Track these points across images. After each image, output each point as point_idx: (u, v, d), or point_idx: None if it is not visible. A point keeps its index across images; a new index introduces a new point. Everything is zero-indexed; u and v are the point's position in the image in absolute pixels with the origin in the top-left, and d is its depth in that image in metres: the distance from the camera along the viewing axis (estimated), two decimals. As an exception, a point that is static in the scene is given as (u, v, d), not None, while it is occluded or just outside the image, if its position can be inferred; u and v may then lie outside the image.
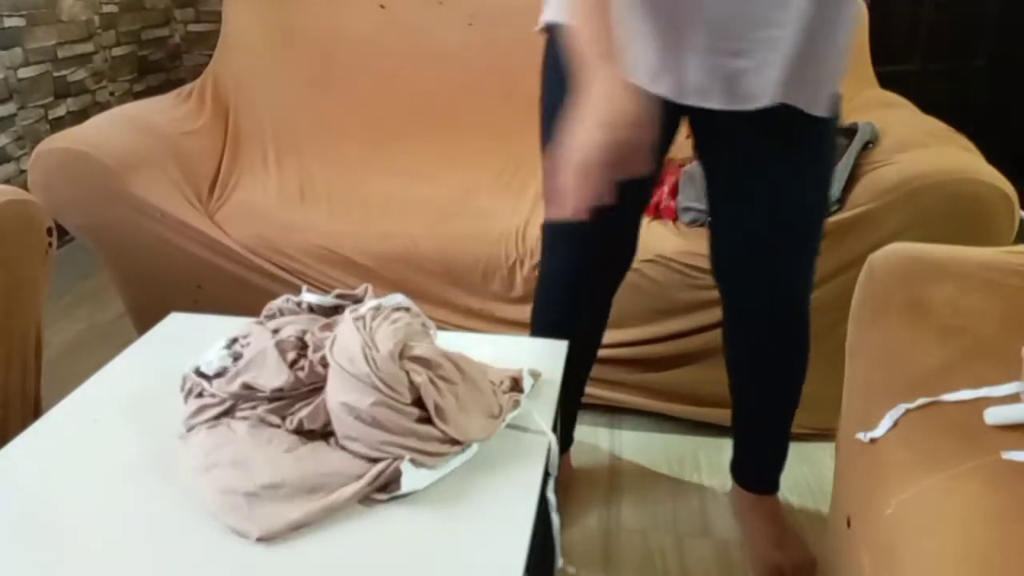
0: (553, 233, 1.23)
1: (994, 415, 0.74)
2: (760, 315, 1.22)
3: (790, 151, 1.08)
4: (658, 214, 1.67)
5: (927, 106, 1.72)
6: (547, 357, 1.01)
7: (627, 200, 1.15)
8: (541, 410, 0.90)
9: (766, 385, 1.29)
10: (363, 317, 0.83)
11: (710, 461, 1.58)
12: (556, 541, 0.89)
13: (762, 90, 0.99)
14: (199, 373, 0.87)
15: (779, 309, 1.20)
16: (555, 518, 0.88)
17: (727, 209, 1.17)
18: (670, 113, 1.07)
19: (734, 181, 1.13)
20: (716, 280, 1.25)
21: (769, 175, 1.09)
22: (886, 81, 1.94)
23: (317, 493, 0.75)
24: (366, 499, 0.76)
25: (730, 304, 1.26)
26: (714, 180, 1.17)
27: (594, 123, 0.84)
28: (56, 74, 2.33)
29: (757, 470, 1.39)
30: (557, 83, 1.09)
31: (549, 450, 0.85)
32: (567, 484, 1.49)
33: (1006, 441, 0.74)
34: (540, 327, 1.29)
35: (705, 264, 1.49)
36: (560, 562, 0.93)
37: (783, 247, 1.15)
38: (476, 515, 0.75)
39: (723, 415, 1.61)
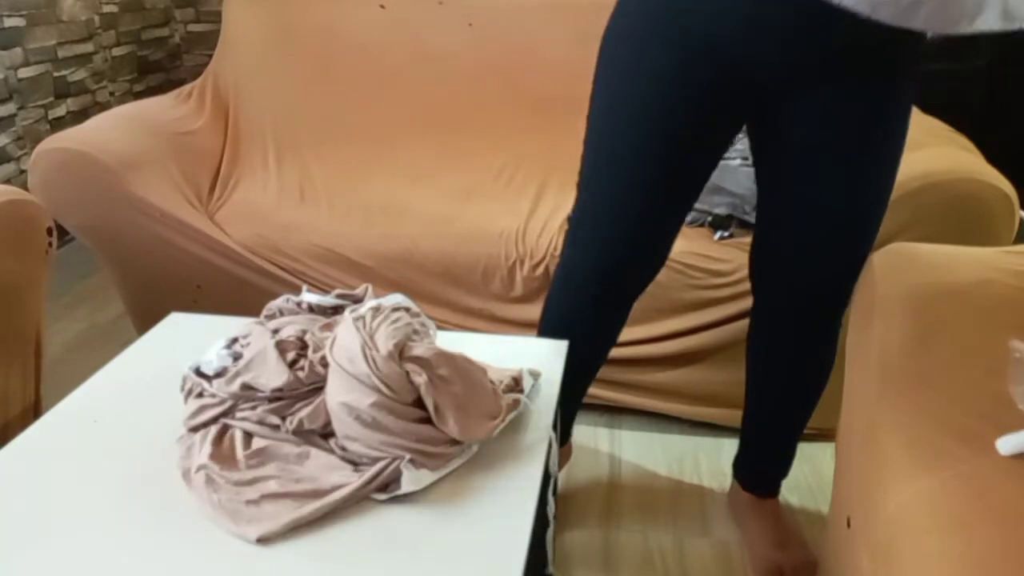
0: (585, 232, 1.16)
1: (1007, 444, 0.73)
2: (794, 320, 1.18)
3: (863, 150, 1.02)
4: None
5: (927, 106, 1.72)
6: (547, 357, 1.01)
7: (674, 207, 1.12)
8: (541, 410, 0.90)
9: (787, 391, 1.26)
10: (363, 317, 0.82)
11: (710, 461, 1.58)
12: (549, 548, 0.88)
13: None
14: (199, 373, 0.87)
15: (815, 316, 1.17)
16: (551, 527, 0.88)
17: (779, 207, 1.10)
18: (736, 109, 1.04)
19: (790, 179, 1.07)
20: (752, 277, 1.21)
21: (833, 177, 1.04)
22: (886, 81, 1.93)
23: (316, 496, 0.75)
24: (366, 499, 0.76)
25: (763, 305, 1.22)
26: (768, 175, 1.11)
27: None
28: (56, 74, 2.33)
29: (762, 473, 1.37)
30: (630, 50, 1.02)
31: (549, 450, 0.85)
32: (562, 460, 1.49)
33: (1006, 442, 0.74)
34: (557, 324, 1.23)
35: (705, 264, 1.49)
36: (551, 568, 0.92)
37: (834, 253, 1.10)
38: (476, 515, 0.75)
39: (723, 415, 1.61)
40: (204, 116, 2.00)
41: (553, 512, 0.88)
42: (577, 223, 1.17)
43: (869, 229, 1.09)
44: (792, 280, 1.15)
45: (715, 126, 1.05)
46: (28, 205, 1.12)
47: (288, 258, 1.67)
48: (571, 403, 1.37)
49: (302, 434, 0.82)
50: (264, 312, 0.96)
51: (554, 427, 0.89)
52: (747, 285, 1.47)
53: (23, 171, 2.22)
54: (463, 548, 0.71)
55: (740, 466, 1.40)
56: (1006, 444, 0.73)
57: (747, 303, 1.46)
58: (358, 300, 0.97)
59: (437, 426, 0.79)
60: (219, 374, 0.85)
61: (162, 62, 2.82)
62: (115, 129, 1.70)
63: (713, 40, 0.96)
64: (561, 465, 1.49)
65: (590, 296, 1.19)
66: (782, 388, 1.27)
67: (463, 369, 0.84)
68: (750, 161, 1.65)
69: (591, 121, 1.10)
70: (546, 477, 0.83)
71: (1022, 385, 0.75)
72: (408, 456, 0.77)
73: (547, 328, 1.25)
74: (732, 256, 1.48)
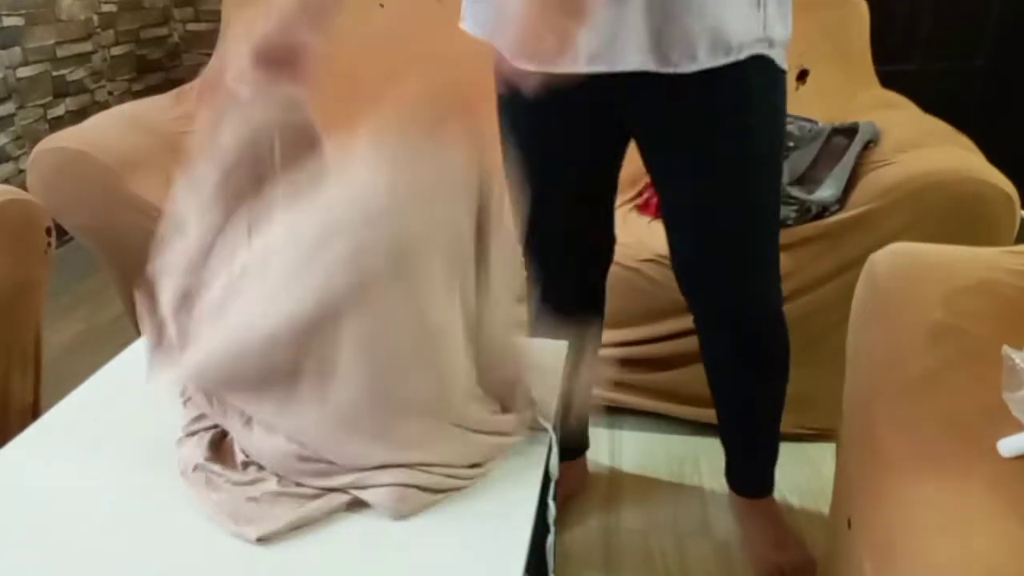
0: (540, 245, 1.21)
1: (1009, 446, 0.73)
2: (726, 325, 1.19)
3: (696, 142, 1.05)
4: (657, 214, 1.67)
5: (928, 105, 1.72)
6: (547, 357, 1.01)
7: (592, 193, 1.21)
8: (542, 411, 0.90)
9: (744, 394, 1.27)
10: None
11: (710, 461, 1.58)
12: (550, 556, 0.88)
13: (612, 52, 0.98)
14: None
15: (745, 317, 1.17)
16: (551, 533, 0.87)
17: (667, 210, 1.16)
18: (600, 123, 1.10)
19: (664, 181, 1.13)
20: (681, 292, 1.22)
21: (692, 170, 1.07)
22: (887, 80, 1.94)
23: (316, 496, 0.75)
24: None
25: (695, 314, 1.24)
26: (654, 183, 1.17)
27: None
28: (55, 73, 2.32)
29: (748, 475, 1.37)
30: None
31: (549, 452, 0.84)
32: (580, 487, 1.49)
33: (1007, 442, 0.73)
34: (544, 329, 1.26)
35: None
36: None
37: (730, 253, 1.11)
38: (475, 515, 0.74)
39: (723, 415, 1.61)
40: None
41: (554, 517, 0.88)
42: (533, 243, 1.21)
43: (755, 215, 1.10)
44: (702, 285, 1.17)
45: (588, 141, 1.14)
46: (27, 205, 1.12)
47: (288, 258, 1.66)
48: (577, 412, 1.35)
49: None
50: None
51: (554, 428, 0.89)
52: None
53: (22, 171, 2.21)
54: (462, 549, 0.70)
55: (728, 472, 1.40)
56: (1008, 446, 0.73)
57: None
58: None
59: None
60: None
61: (161, 61, 2.82)
62: (114, 128, 1.69)
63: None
64: (575, 490, 1.47)
65: (566, 299, 1.26)
66: (739, 392, 1.27)
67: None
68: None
69: None
70: (546, 480, 0.83)
71: (1016, 392, 0.75)
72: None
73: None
74: (732, 256, 1.48)
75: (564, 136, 1.14)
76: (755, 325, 1.18)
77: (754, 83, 1.03)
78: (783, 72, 1.06)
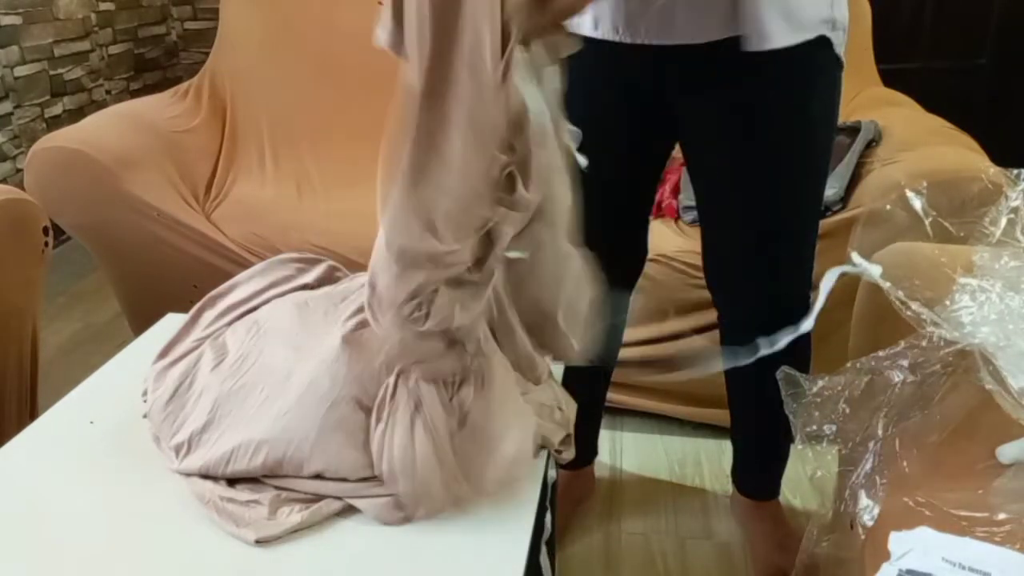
0: None
1: (1008, 453, 0.73)
2: (755, 325, 1.14)
3: (743, 140, 1.02)
4: (660, 213, 1.66)
5: (930, 104, 1.71)
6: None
7: (632, 199, 1.16)
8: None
9: (765, 398, 1.22)
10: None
11: (712, 463, 1.57)
12: (544, 561, 0.87)
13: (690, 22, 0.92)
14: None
15: (776, 318, 1.12)
16: (548, 534, 0.87)
17: (708, 212, 1.13)
18: (662, 108, 1.05)
19: (711, 180, 1.10)
20: (709, 290, 1.22)
21: (746, 168, 1.04)
22: (889, 79, 1.93)
23: (316, 499, 0.74)
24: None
25: (723, 315, 1.22)
26: (696, 181, 1.14)
27: None
28: (52, 72, 2.31)
29: (758, 479, 1.36)
30: None
31: (548, 458, 0.84)
32: (586, 496, 1.48)
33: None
34: None
35: (707, 263, 1.48)
36: None
37: (773, 251, 1.10)
38: (474, 521, 0.74)
39: (725, 416, 1.59)
40: (201, 114, 1.99)
41: (551, 521, 0.87)
42: None
43: (801, 219, 1.09)
44: (737, 287, 1.16)
45: (633, 138, 1.10)
46: (24, 204, 1.11)
47: (286, 257, 1.65)
48: (585, 416, 1.33)
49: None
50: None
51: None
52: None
53: (19, 170, 2.20)
54: (461, 554, 0.70)
55: (736, 472, 1.39)
56: (1007, 452, 0.72)
57: (749, 303, 1.46)
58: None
59: None
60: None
61: (159, 60, 2.81)
62: (111, 128, 1.69)
63: (610, 69, 1.02)
64: (579, 497, 1.45)
65: None
66: (758, 398, 1.25)
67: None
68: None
69: None
70: (544, 485, 0.82)
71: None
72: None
73: None
74: (734, 255, 1.47)
75: (613, 121, 1.06)
76: (785, 326, 1.15)
77: (817, 67, 0.98)
78: (841, 63, 1.01)
